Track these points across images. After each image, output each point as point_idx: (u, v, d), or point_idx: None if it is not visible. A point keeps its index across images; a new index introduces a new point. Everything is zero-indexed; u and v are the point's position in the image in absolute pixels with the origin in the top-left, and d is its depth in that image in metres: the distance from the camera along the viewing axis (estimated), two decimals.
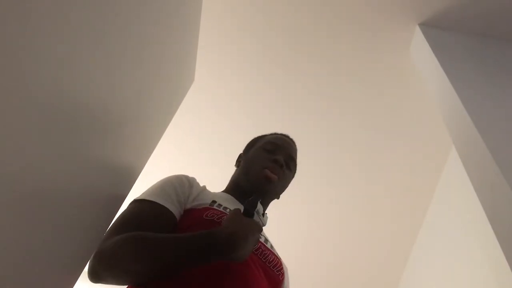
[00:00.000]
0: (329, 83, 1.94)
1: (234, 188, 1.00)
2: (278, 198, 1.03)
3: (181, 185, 0.86)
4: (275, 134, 1.11)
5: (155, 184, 0.87)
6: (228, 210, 0.85)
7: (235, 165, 1.09)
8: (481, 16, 1.57)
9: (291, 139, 1.11)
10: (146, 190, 0.85)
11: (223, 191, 1.02)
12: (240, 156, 1.10)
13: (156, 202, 0.78)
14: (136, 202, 0.81)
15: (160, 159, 2.13)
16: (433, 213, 2.29)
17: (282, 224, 2.42)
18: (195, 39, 1.66)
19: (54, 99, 0.57)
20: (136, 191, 1.07)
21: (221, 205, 0.86)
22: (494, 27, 1.60)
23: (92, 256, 0.70)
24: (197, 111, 2.12)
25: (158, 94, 1.15)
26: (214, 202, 0.86)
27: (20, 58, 0.47)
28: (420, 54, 1.63)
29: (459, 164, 1.89)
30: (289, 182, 1.05)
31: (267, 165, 0.94)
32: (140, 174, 1.09)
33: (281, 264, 0.91)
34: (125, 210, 0.80)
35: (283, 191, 1.04)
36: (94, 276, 0.68)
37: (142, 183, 1.25)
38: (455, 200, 2.02)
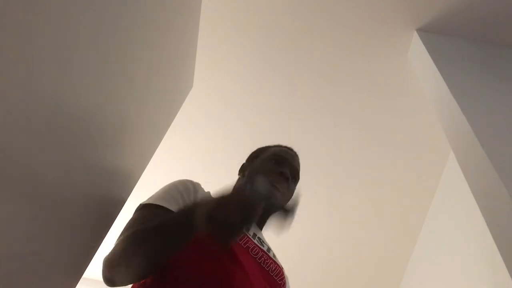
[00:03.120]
0: (327, 89, 1.95)
1: None
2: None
3: (186, 190, 0.86)
4: (280, 146, 1.11)
5: (161, 189, 0.87)
6: None
7: (238, 174, 1.09)
8: (479, 22, 1.59)
9: (295, 152, 1.11)
10: (153, 195, 0.85)
11: None
12: (243, 166, 1.10)
13: (163, 207, 0.79)
14: (143, 207, 0.82)
15: (159, 164, 2.13)
16: (432, 218, 2.29)
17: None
18: (194, 45, 1.67)
19: (55, 106, 0.57)
20: (136, 195, 1.07)
21: None
22: (491, 32, 1.61)
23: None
24: (194, 117, 2.12)
25: (158, 99, 1.16)
26: None
27: (20, 63, 0.48)
28: (418, 59, 1.63)
29: (458, 170, 1.89)
30: (292, 195, 1.05)
31: (273, 177, 0.94)
32: (140, 179, 1.10)
33: (283, 273, 0.92)
34: (133, 216, 0.81)
35: (286, 203, 1.03)
36: (105, 280, 0.70)
37: (142, 187, 1.25)
38: (454, 205, 2.02)
